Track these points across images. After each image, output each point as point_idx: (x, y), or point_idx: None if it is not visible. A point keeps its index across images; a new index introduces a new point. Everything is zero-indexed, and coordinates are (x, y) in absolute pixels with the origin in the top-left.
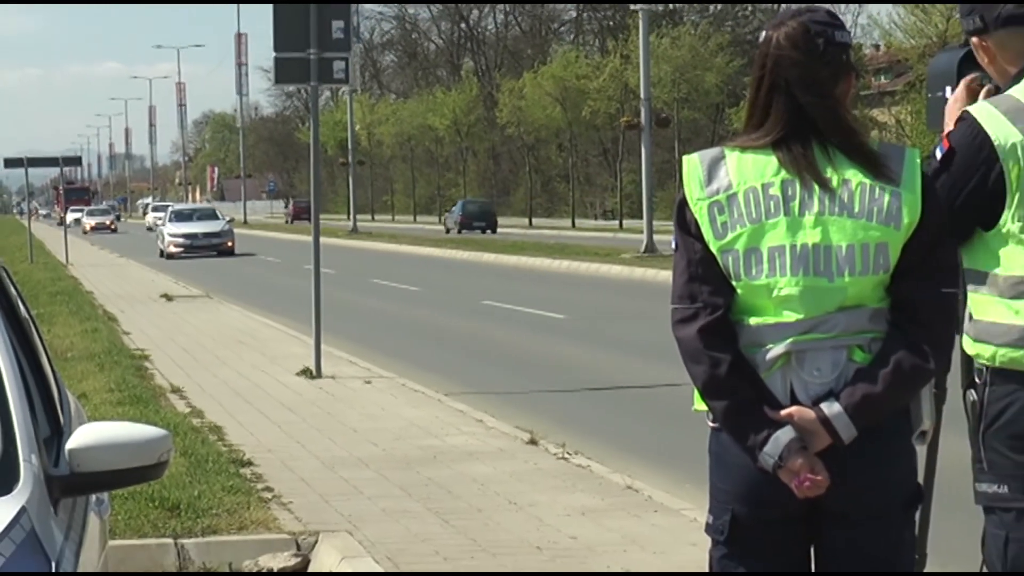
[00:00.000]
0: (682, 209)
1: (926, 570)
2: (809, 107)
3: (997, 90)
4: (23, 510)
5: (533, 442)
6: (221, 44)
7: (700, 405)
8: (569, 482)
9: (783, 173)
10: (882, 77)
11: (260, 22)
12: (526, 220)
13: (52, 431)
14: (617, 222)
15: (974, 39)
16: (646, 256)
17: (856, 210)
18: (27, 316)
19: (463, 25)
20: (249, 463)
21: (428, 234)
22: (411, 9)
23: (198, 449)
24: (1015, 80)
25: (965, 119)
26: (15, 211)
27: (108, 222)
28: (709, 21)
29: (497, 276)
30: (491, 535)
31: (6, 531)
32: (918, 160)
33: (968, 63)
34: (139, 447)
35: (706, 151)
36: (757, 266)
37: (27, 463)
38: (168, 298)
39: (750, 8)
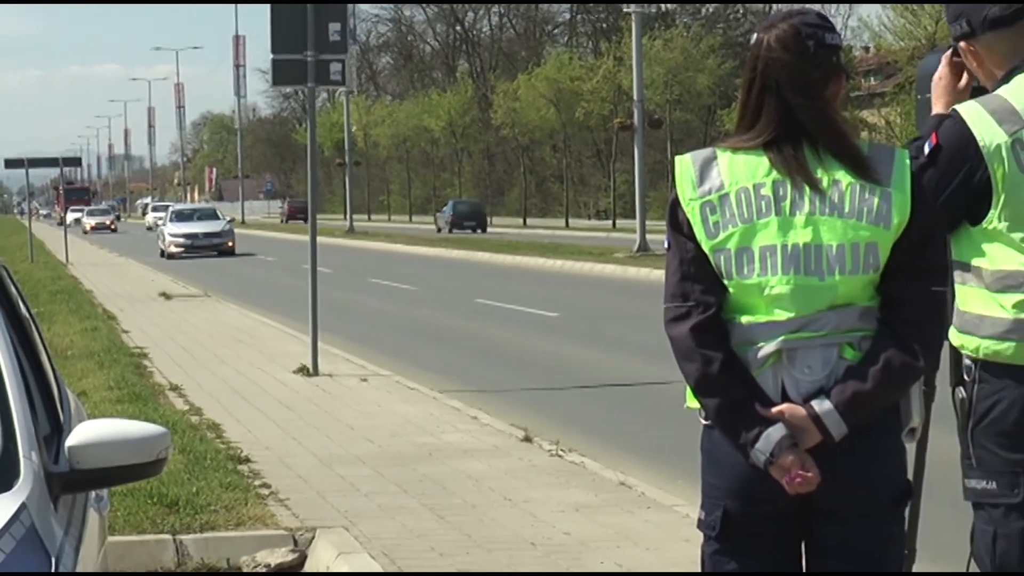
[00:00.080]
0: (674, 209)
1: (915, 565)
2: (799, 108)
3: (982, 91)
4: (23, 506)
5: (527, 439)
6: (219, 46)
7: (692, 402)
8: (563, 479)
9: (774, 174)
10: (872, 79)
11: (258, 24)
12: (520, 220)
13: (52, 428)
14: (610, 222)
15: (962, 44)
16: (639, 255)
17: (846, 210)
18: (27, 315)
19: (458, 27)
20: (247, 460)
21: (424, 234)
22: (407, 11)
23: (196, 446)
24: (1004, 80)
25: (953, 117)
26: (16, 211)
27: (108, 222)
28: (701, 23)
29: (492, 275)
30: (486, 531)
31: (6, 527)
32: (908, 161)
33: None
34: (138, 444)
35: (698, 152)
36: (749, 265)
37: (27, 460)
38: (167, 297)
39: (741, 11)
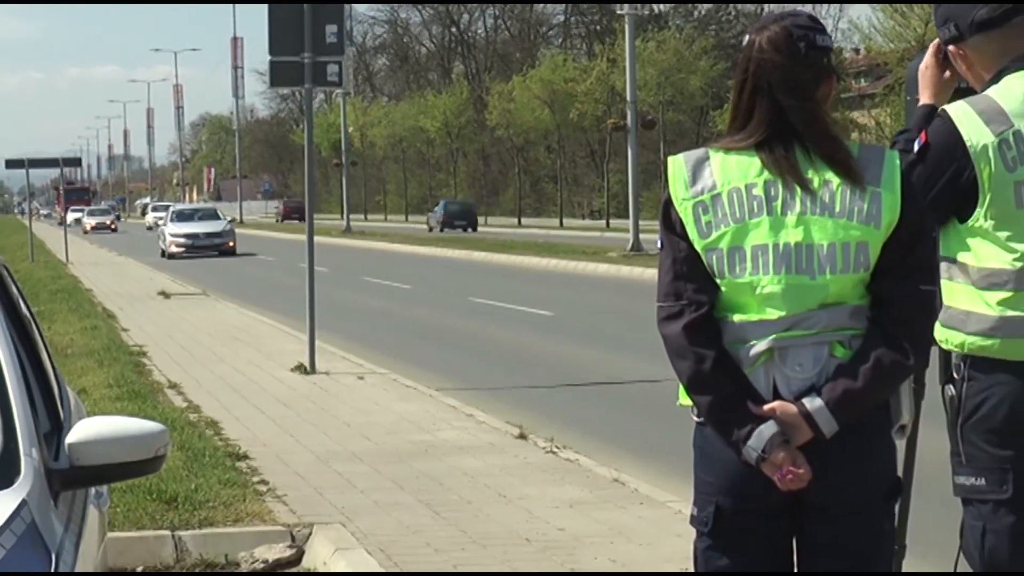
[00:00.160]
0: (667, 209)
1: (905, 561)
2: (791, 109)
3: (969, 91)
4: (24, 503)
5: (522, 436)
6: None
7: (685, 400)
8: (558, 475)
9: (766, 174)
10: (862, 80)
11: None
12: (515, 220)
13: (52, 426)
14: (604, 221)
15: (951, 48)
16: (632, 255)
17: (837, 210)
18: (28, 313)
19: (454, 29)
20: (245, 457)
21: (420, 233)
22: (403, 14)
23: (195, 443)
24: (993, 81)
25: (942, 117)
26: (16, 211)
27: (108, 222)
28: (694, 26)
29: (487, 274)
30: (481, 527)
31: (7, 524)
32: (897, 161)
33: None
34: (137, 441)
35: (691, 152)
36: (740, 264)
37: (28, 457)
38: (166, 296)
39: (733, 13)
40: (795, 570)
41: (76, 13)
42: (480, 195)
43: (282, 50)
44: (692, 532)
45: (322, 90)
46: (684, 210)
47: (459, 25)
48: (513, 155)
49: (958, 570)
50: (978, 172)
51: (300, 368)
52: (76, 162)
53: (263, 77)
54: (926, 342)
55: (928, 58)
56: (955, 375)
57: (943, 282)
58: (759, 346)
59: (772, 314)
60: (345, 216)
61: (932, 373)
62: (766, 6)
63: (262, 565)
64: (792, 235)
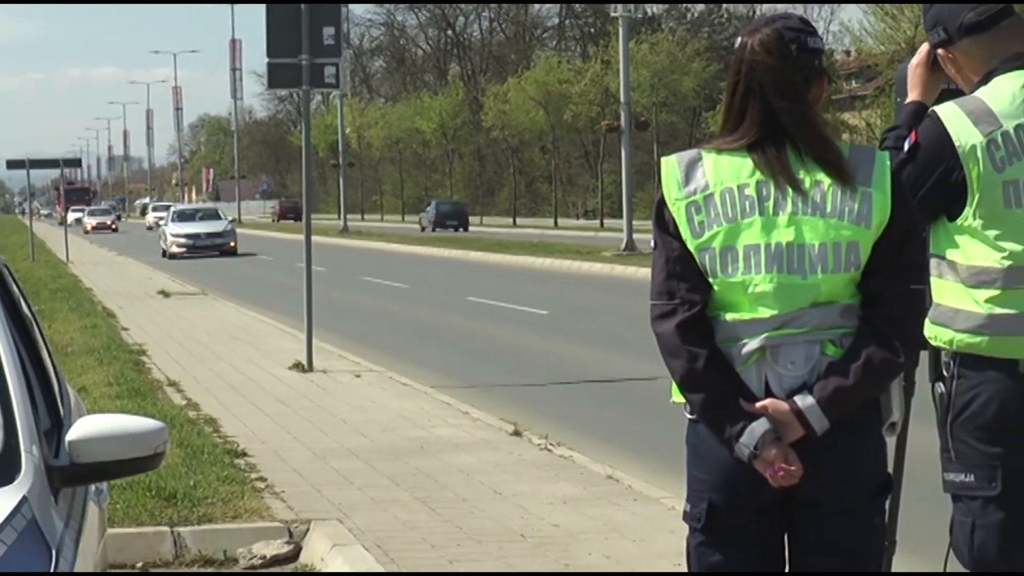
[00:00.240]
0: (661, 209)
1: (895, 557)
2: (782, 111)
3: (957, 92)
4: (24, 500)
5: (517, 433)
6: (216, 50)
7: (678, 398)
8: (552, 472)
9: (758, 174)
10: (853, 82)
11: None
12: (510, 220)
13: (52, 423)
14: (598, 221)
15: (940, 51)
16: (626, 254)
17: (828, 210)
18: (28, 312)
19: (449, 31)
20: (243, 454)
21: (416, 233)
22: (399, 16)
23: (194, 440)
24: (982, 82)
25: (931, 117)
26: (17, 211)
27: (109, 222)
28: (686, 28)
29: (483, 274)
30: (476, 523)
31: (8, 520)
32: (888, 162)
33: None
34: (136, 439)
35: (684, 153)
36: (733, 264)
37: (28, 454)
38: (165, 295)
39: (726, 15)
40: (787, 565)
41: (76, 14)
42: (476, 195)
43: (280, 52)
44: (685, 528)
45: (319, 92)
46: (677, 210)
47: (455, 27)
48: (508, 156)
49: (948, 565)
50: (967, 172)
51: (298, 366)
52: (76, 163)
53: (261, 79)
54: (916, 340)
55: (919, 56)
56: (944, 373)
57: (933, 280)
58: (751, 344)
59: (764, 313)
60: (342, 216)
61: (922, 371)
62: (758, 9)
63: (260, 561)
64: (784, 235)
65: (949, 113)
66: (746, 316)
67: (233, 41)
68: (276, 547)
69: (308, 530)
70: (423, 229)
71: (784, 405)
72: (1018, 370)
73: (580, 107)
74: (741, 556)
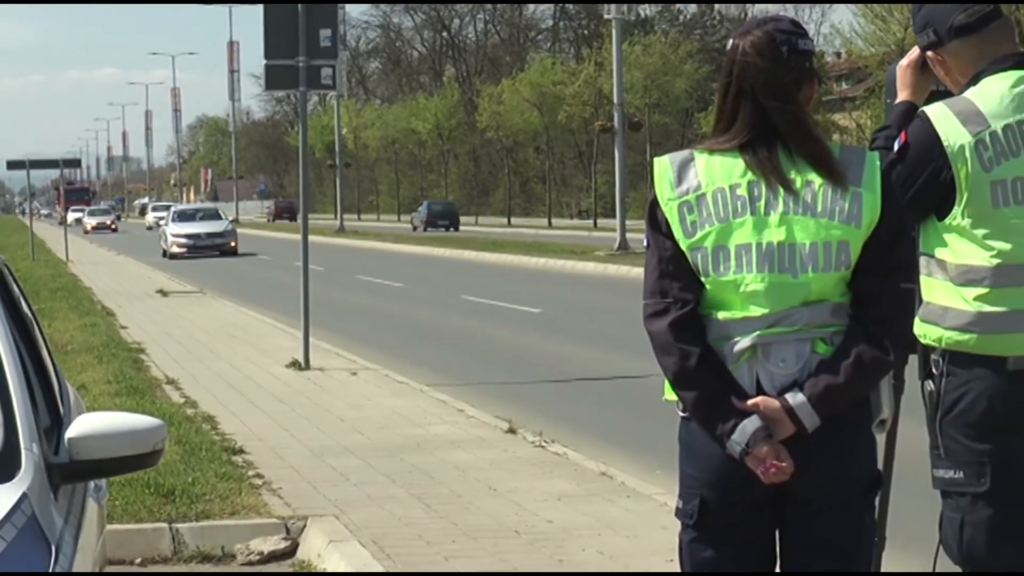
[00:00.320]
0: (653, 209)
1: (885, 553)
2: (774, 112)
3: (946, 93)
4: (24, 496)
5: (512, 431)
6: (214, 51)
7: (670, 395)
8: (546, 469)
9: (749, 175)
10: (843, 83)
11: (252, 30)
12: (505, 219)
13: (52, 421)
14: (591, 221)
15: (930, 53)
16: (619, 253)
17: (819, 210)
18: (28, 311)
19: (445, 33)
20: (241, 451)
21: (412, 233)
22: (395, 18)
23: (192, 438)
24: (971, 83)
25: (921, 117)
26: (17, 211)
27: (109, 222)
28: (679, 30)
29: (477, 273)
30: (471, 519)
31: (8, 516)
32: (877, 162)
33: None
34: (135, 436)
35: (676, 153)
36: (725, 263)
37: (28, 451)
38: (164, 294)
39: (718, 17)
40: (777, 561)
41: (76, 17)
42: (470, 195)
43: (277, 54)
44: (677, 524)
45: (316, 93)
46: (670, 210)
47: (450, 29)
48: (503, 156)
49: (937, 562)
50: (955, 172)
51: (295, 364)
52: (76, 163)
53: (259, 80)
54: (906, 339)
55: (907, 59)
56: (934, 371)
57: (922, 278)
58: (743, 343)
59: (755, 311)
60: (339, 216)
61: (911, 369)
62: (750, 11)
63: (257, 557)
64: (775, 234)
65: (938, 113)
66: (738, 315)
67: (231, 43)
68: (273, 543)
69: (305, 526)
70: (415, 229)
71: (775, 403)
72: (1006, 367)
73: (574, 108)
74: (733, 552)
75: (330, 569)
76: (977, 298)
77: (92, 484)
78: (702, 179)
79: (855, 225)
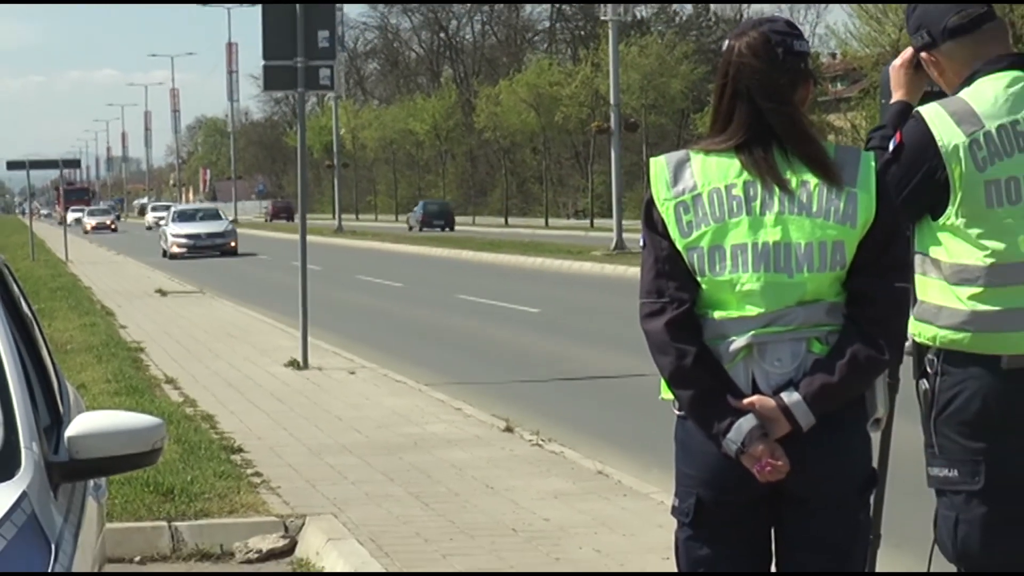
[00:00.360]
0: (649, 209)
1: (880, 550)
2: (769, 113)
3: (940, 94)
4: (24, 495)
5: (509, 430)
6: (213, 52)
7: (667, 394)
8: (543, 467)
9: (745, 175)
10: (838, 84)
11: (250, 32)
12: (502, 219)
13: (52, 420)
14: (588, 221)
15: (923, 55)
16: (615, 253)
17: (814, 210)
18: (28, 311)
19: (442, 35)
20: (239, 450)
21: (409, 233)
22: (393, 19)
23: (191, 437)
24: (965, 84)
25: (915, 118)
26: (17, 211)
27: (108, 222)
28: (675, 31)
29: (475, 272)
30: (469, 517)
31: (8, 515)
32: (873, 162)
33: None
34: (135, 435)
35: (672, 154)
36: (721, 263)
37: (28, 450)
38: (163, 293)
39: (713, 19)
40: (772, 559)
41: (75, 18)
42: (468, 195)
43: (276, 55)
44: (674, 523)
45: (314, 93)
46: (666, 210)
47: (448, 31)
48: (500, 157)
49: (932, 559)
50: (949, 172)
51: (293, 364)
52: (75, 163)
53: (257, 81)
54: (900, 338)
55: (900, 58)
56: (928, 370)
57: (917, 277)
58: (739, 342)
59: (751, 311)
60: (337, 216)
61: (906, 368)
62: (745, 12)
63: (256, 555)
64: (770, 234)
65: (933, 114)
66: (734, 314)
67: (230, 44)
68: (272, 541)
69: (303, 524)
70: (410, 229)
71: (771, 401)
72: (1001, 366)
73: (570, 109)
74: (728, 550)
75: (328, 567)
76: (971, 297)
77: (92, 482)
78: (698, 179)
79: (850, 225)
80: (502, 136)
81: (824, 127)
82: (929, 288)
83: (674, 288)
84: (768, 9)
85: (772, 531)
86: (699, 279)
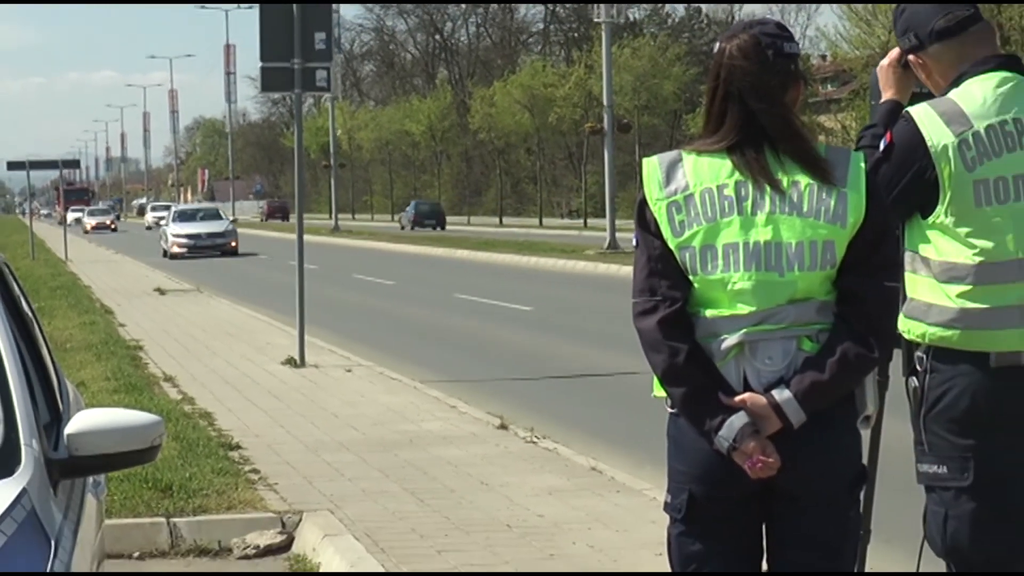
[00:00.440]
0: (642, 208)
1: (870, 546)
2: (760, 114)
3: (927, 95)
4: (24, 491)
5: (503, 427)
6: (211, 54)
7: (659, 392)
8: (537, 464)
9: (737, 175)
10: (828, 85)
11: (248, 34)
12: (497, 219)
13: (52, 417)
14: (582, 221)
15: (911, 57)
16: (608, 252)
17: (805, 209)
18: (28, 309)
19: (437, 37)
20: (237, 447)
21: (405, 232)
22: (389, 22)
23: (189, 434)
24: (953, 84)
25: (905, 118)
26: (18, 211)
27: (108, 222)
28: (667, 33)
29: (470, 271)
30: (464, 513)
31: (8, 511)
32: (863, 163)
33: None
34: (133, 432)
35: (665, 154)
36: (712, 262)
37: (28, 447)
38: (161, 292)
39: (705, 21)
40: (763, 555)
41: (75, 20)
42: (463, 195)
43: (273, 56)
44: (666, 519)
45: (311, 95)
46: (658, 210)
47: (443, 33)
48: (495, 157)
49: (922, 555)
50: (939, 171)
51: (290, 362)
52: (75, 164)
53: (255, 82)
54: (890, 336)
55: (888, 59)
56: (918, 367)
57: (907, 274)
58: (730, 340)
59: (743, 309)
60: (333, 216)
61: (896, 365)
62: (737, 14)
63: (254, 551)
64: (762, 234)
65: (922, 114)
66: (725, 312)
67: (227, 46)
68: (269, 537)
69: (300, 520)
70: (403, 228)
71: (762, 399)
72: (989, 364)
73: (564, 110)
74: (720, 546)
75: (325, 562)
76: (960, 295)
77: (91, 479)
78: (690, 179)
79: (840, 225)
80: (497, 137)
81: (814, 128)
82: (919, 286)
83: (666, 287)
84: (759, 11)
85: (763, 528)
86: (691, 278)
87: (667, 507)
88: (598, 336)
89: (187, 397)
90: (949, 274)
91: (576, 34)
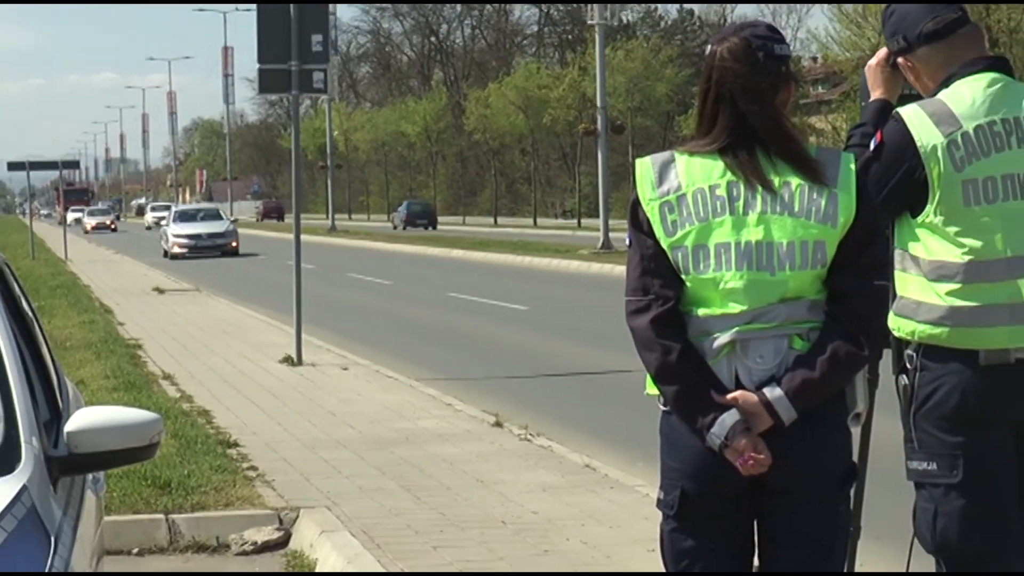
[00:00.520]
0: (635, 209)
1: (860, 542)
2: (752, 115)
3: (915, 96)
4: (24, 488)
5: (498, 424)
6: (209, 56)
7: (652, 390)
8: (531, 461)
9: (729, 175)
10: (819, 87)
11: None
12: (491, 219)
13: (52, 415)
14: (575, 221)
15: (900, 59)
16: (602, 252)
17: (796, 210)
18: (28, 308)
19: (433, 39)
20: (235, 444)
21: (402, 232)
22: (385, 24)
23: (188, 431)
24: (942, 85)
25: (895, 119)
26: (18, 211)
27: (108, 222)
28: (660, 35)
29: (465, 271)
30: (459, 510)
31: (8, 508)
32: (852, 164)
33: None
34: (132, 430)
35: (657, 155)
36: (704, 261)
37: (28, 445)
38: (160, 292)
39: (697, 23)
40: (755, 551)
41: (75, 22)
42: (458, 196)
43: (270, 58)
44: (659, 515)
45: (308, 96)
46: (651, 210)
47: (438, 35)
48: (489, 158)
49: (912, 551)
50: (928, 171)
51: (288, 360)
52: (75, 164)
53: (252, 84)
54: (880, 334)
55: (876, 59)
56: (908, 365)
57: (896, 272)
58: (722, 338)
59: (734, 308)
60: (330, 216)
61: (886, 364)
62: (729, 16)
63: (251, 547)
64: (753, 233)
65: (912, 115)
66: (717, 311)
67: (225, 48)
68: (267, 533)
69: (297, 517)
70: (395, 227)
71: (753, 397)
72: (979, 362)
73: (558, 111)
74: (712, 543)
75: (321, 559)
76: (949, 293)
77: (90, 476)
78: (682, 180)
79: (831, 225)
80: (491, 138)
81: (805, 129)
82: (908, 284)
83: (659, 286)
84: (751, 13)
85: (755, 524)
86: (683, 277)
87: (660, 504)
88: (592, 335)
89: (185, 395)
90: (938, 272)
91: (570, 36)
